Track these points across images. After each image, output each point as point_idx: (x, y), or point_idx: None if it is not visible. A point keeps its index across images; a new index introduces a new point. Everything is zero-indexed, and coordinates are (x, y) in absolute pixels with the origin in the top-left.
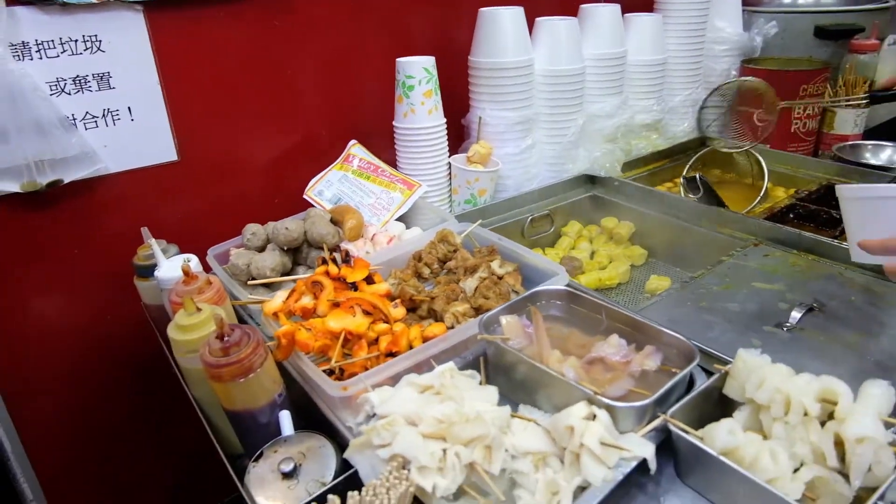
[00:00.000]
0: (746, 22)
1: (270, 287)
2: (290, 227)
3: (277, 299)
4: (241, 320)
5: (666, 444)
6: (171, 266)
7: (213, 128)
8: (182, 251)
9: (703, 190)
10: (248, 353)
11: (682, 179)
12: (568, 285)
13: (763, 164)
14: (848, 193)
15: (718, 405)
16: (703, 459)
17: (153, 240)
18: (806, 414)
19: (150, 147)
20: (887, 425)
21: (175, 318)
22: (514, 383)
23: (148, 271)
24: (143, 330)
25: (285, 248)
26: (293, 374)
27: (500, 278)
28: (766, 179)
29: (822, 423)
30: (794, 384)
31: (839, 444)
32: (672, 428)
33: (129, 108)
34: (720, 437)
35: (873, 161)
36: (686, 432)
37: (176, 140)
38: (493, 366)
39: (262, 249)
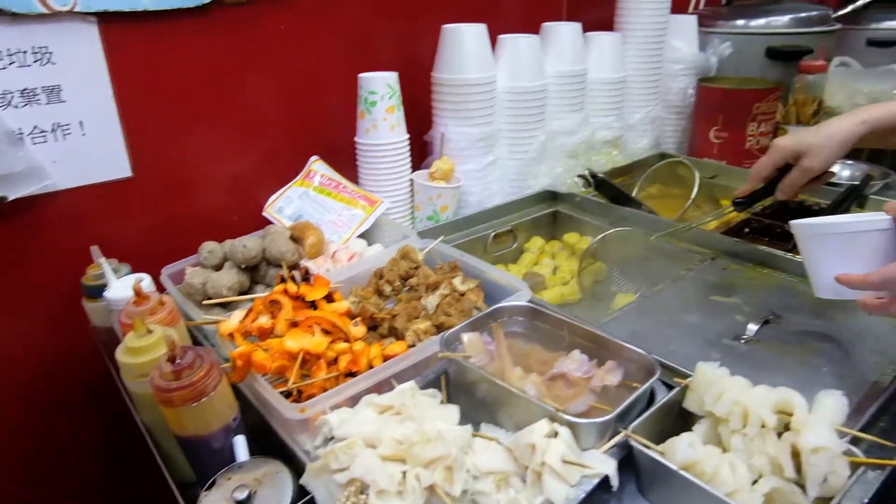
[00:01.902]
0: (702, 42)
1: (227, 307)
2: (248, 244)
3: (234, 319)
4: (197, 342)
5: (628, 459)
6: (121, 286)
7: (171, 143)
8: (135, 271)
9: (594, 184)
10: (200, 376)
11: (576, 177)
12: (530, 301)
13: (696, 174)
14: (809, 230)
15: (679, 419)
16: (663, 474)
17: (103, 259)
18: (763, 426)
19: (102, 163)
20: (841, 435)
21: (124, 341)
22: (476, 402)
23: (97, 292)
24: (92, 353)
25: (243, 267)
26: (249, 397)
27: (463, 295)
28: (695, 189)
29: (779, 435)
30: (751, 396)
31: (796, 455)
32: (633, 443)
33: (80, 122)
34: (680, 451)
35: None
36: (647, 447)
37: (130, 156)
38: (454, 384)
39: (219, 268)
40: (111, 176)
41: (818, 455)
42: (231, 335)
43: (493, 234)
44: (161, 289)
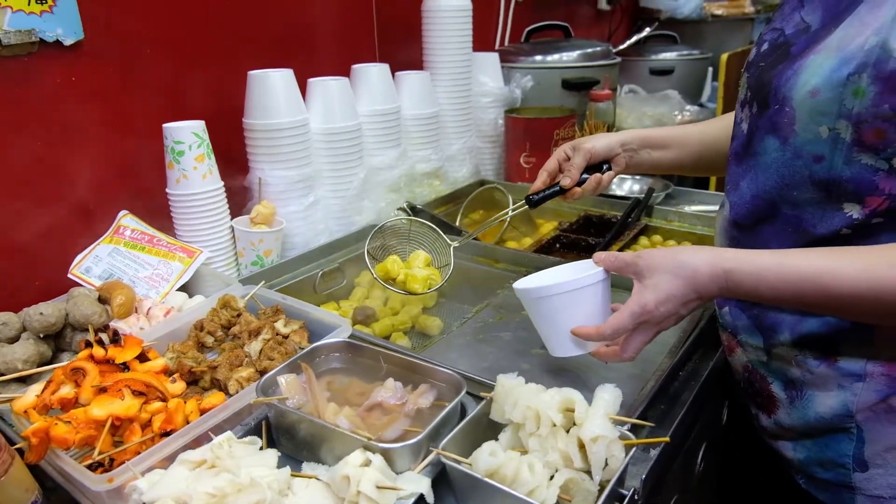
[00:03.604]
0: (506, 77)
1: (27, 381)
2: (45, 311)
3: (30, 394)
4: None
5: (445, 474)
6: None
7: None
8: None
9: (413, 213)
10: None
11: (396, 210)
12: (352, 336)
13: (510, 198)
14: (534, 293)
15: (489, 430)
16: (473, 484)
17: None
18: (554, 425)
19: None
20: (618, 423)
21: None
22: (299, 442)
23: None
24: None
25: (42, 336)
26: (56, 477)
27: (286, 337)
28: (509, 212)
29: (568, 431)
30: (540, 400)
31: (582, 447)
32: (444, 460)
33: None
34: (482, 459)
35: (619, 192)
36: (457, 461)
37: None
38: (276, 428)
39: (15, 341)
40: None
41: (597, 443)
42: (26, 412)
43: (320, 272)
44: None
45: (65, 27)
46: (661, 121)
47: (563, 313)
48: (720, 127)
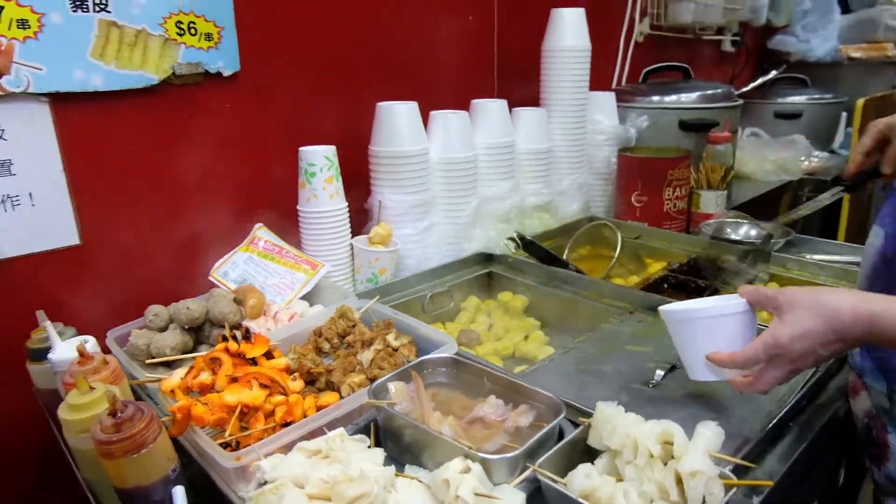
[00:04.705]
0: (622, 116)
1: (171, 366)
2: (191, 306)
3: (175, 377)
4: (140, 400)
5: (538, 493)
6: (65, 347)
7: (119, 213)
8: (81, 335)
9: (521, 246)
10: (140, 428)
11: (507, 239)
12: (457, 354)
13: (618, 235)
14: (677, 316)
15: (586, 455)
16: None
17: (48, 322)
18: (651, 456)
19: (50, 231)
20: (717, 461)
21: (67, 398)
22: (403, 446)
23: (41, 354)
24: (34, 415)
25: (187, 328)
26: (189, 449)
27: (396, 350)
28: (617, 249)
29: (665, 463)
30: (639, 430)
31: (679, 481)
32: (540, 477)
33: (30, 193)
34: (578, 481)
35: (734, 236)
36: (553, 481)
37: (79, 224)
38: (383, 430)
39: (164, 330)
40: (60, 244)
41: (695, 478)
42: (172, 391)
43: (430, 294)
44: (106, 351)
45: (225, 61)
46: (786, 167)
47: (702, 338)
48: None
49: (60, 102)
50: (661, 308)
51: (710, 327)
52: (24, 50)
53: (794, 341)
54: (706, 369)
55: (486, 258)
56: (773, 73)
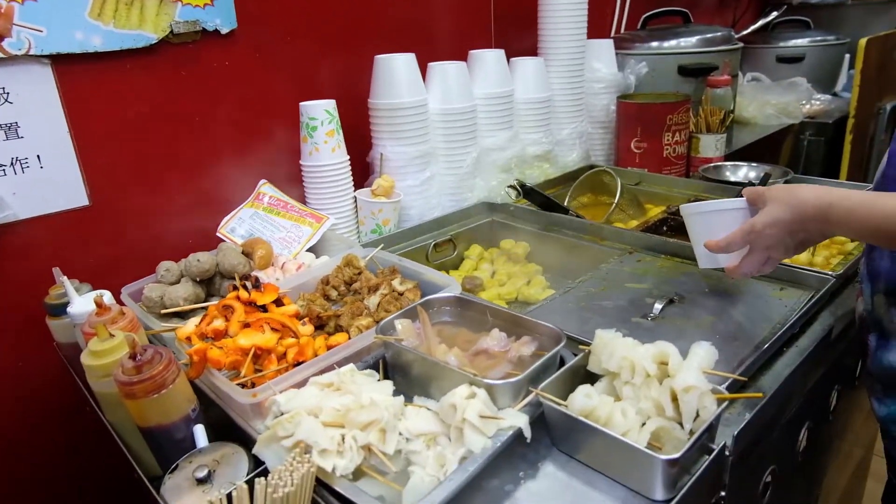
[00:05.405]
0: (620, 63)
1: (184, 317)
2: (201, 258)
3: (190, 325)
4: None
5: (542, 418)
6: (83, 302)
7: (125, 172)
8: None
9: (522, 193)
10: (160, 369)
11: (507, 188)
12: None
13: (618, 182)
14: (690, 210)
15: (586, 380)
16: (568, 423)
17: (65, 277)
18: (648, 375)
19: (60, 193)
20: (711, 378)
21: (88, 345)
22: (411, 379)
23: (60, 309)
24: (56, 369)
25: (198, 280)
26: (208, 393)
27: (401, 294)
28: (617, 195)
29: (661, 382)
30: (636, 352)
31: (675, 398)
32: (543, 400)
33: (38, 156)
34: (578, 400)
35: (732, 178)
36: (554, 402)
37: (87, 186)
38: (391, 365)
39: (176, 284)
40: (69, 205)
41: (689, 393)
42: (188, 338)
43: (433, 243)
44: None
45: (222, 18)
46: (787, 110)
47: (705, 230)
48: None
49: (62, 64)
50: (680, 206)
51: (712, 220)
52: (23, 12)
53: (766, 228)
54: (711, 255)
55: (488, 207)
56: (774, 14)
